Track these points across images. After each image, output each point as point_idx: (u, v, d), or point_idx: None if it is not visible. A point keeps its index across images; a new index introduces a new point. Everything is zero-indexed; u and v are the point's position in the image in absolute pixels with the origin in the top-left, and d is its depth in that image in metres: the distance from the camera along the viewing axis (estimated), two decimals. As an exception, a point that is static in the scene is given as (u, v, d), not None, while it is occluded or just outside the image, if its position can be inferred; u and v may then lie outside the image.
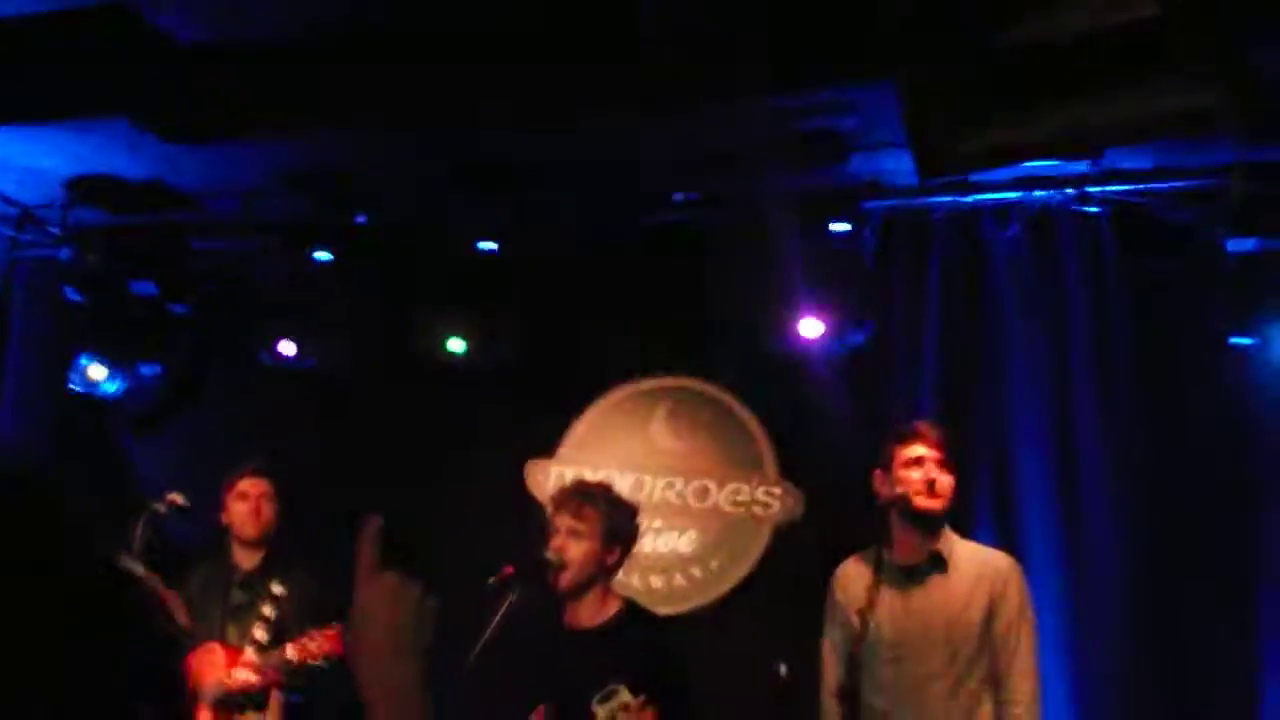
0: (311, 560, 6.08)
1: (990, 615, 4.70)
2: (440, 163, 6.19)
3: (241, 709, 5.57)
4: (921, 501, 4.75)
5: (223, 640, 5.76)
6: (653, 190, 6.49)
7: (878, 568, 4.66)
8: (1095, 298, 5.88)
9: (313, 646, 5.40)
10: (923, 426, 4.88)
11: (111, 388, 7.11)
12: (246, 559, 6.00)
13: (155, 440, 7.27)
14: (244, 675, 5.53)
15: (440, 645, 5.50)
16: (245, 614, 5.81)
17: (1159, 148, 5.52)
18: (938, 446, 4.78)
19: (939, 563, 4.78)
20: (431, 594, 1.85)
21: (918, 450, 4.78)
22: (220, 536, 6.06)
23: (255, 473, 6.04)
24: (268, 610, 5.72)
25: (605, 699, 3.62)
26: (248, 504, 5.99)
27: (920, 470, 4.76)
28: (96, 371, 7.03)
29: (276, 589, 5.78)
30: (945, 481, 4.76)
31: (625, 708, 3.56)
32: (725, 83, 5.41)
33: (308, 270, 6.79)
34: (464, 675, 3.85)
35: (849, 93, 5.38)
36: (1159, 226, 5.77)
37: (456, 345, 6.67)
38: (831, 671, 4.90)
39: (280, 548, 6.04)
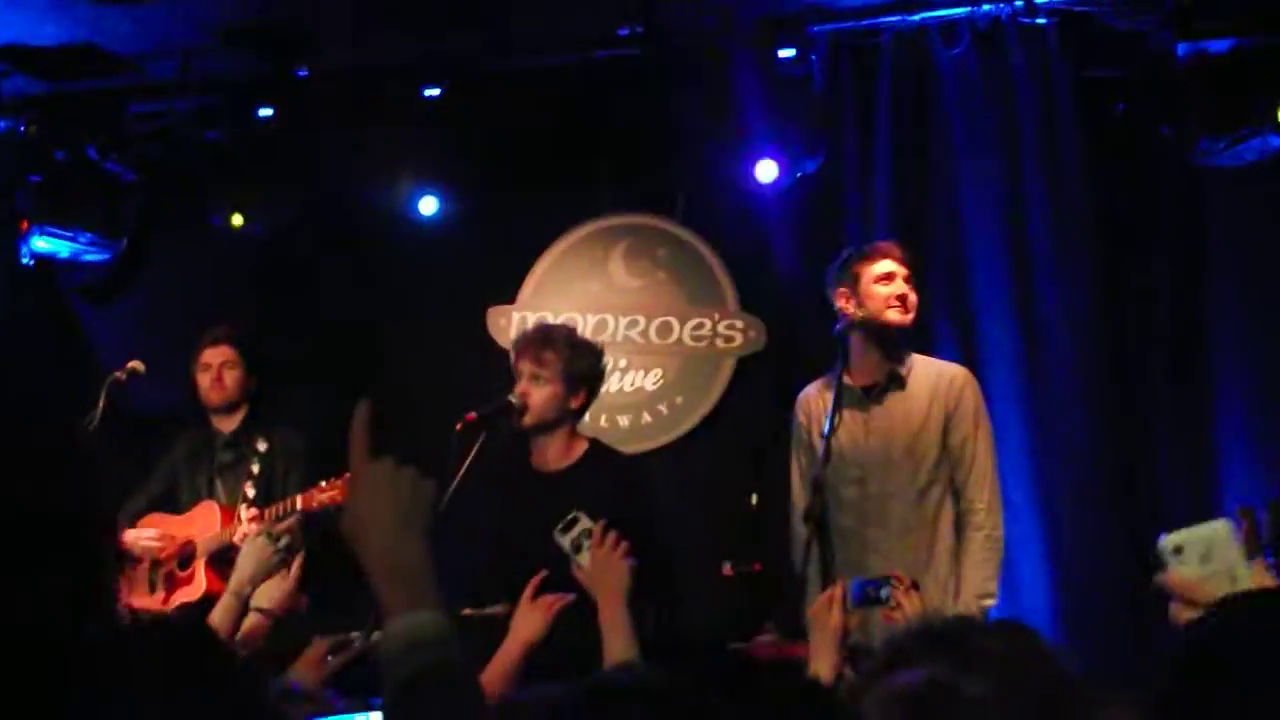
0: (290, 416, 6.16)
1: (946, 427, 4.77)
2: (376, 5, 6.07)
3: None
4: (893, 316, 4.80)
5: (213, 499, 5.89)
6: (598, 26, 6.37)
7: (838, 391, 4.72)
8: (1046, 110, 5.86)
9: (322, 497, 5.41)
10: (888, 245, 4.92)
11: (63, 253, 7.02)
12: (225, 424, 6.06)
13: (110, 309, 7.22)
14: (244, 528, 5.50)
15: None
16: (232, 471, 5.93)
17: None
18: (904, 263, 4.82)
19: (896, 379, 4.85)
20: (424, 478, 1.87)
21: (886, 266, 4.83)
22: (197, 406, 6.11)
23: (215, 341, 6.05)
24: (255, 467, 5.86)
25: (566, 528, 3.64)
26: (210, 374, 6.01)
27: (890, 285, 4.80)
28: (44, 243, 6.94)
29: (260, 445, 5.90)
30: (914, 298, 4.81)
31: (588, 533, 3.58)
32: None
33: (251, 128, 6.68)
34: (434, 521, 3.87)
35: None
36: (1108, 35, 5.72)
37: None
38: (799, 495, 4.97)
39: (257, 408, 6.10)
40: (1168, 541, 2.65)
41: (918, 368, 4.92)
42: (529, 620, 3.60)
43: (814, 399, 5.01)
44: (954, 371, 4.94)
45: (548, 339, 4.73)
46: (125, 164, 6.99)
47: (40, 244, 6.93)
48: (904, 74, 6.09)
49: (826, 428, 4.68)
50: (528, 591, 3.66)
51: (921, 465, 4.78)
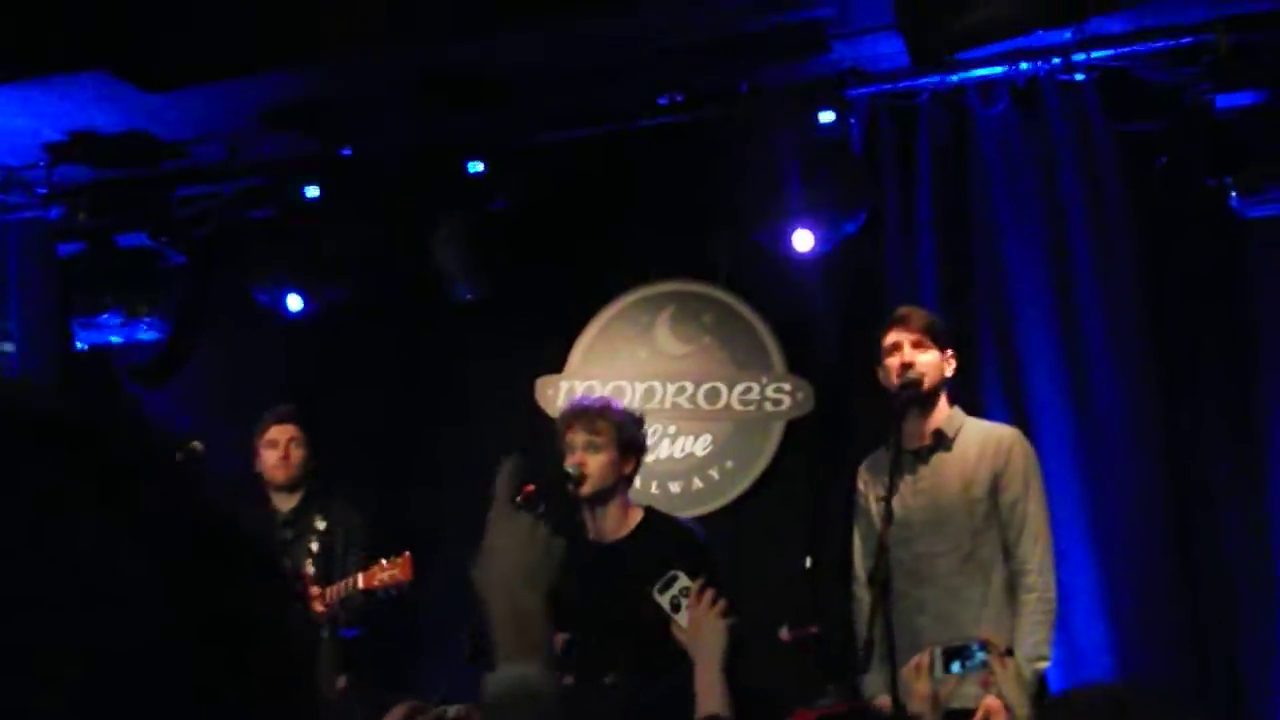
0: (348, 495, 6.22)
1: (995, 489, 4.79)
2: (420, 84, 6.15)
3: None
4: (908, 387, 4.81)
5: None
6: (638, 95, 6.45)
7: (896, 454, 4.75)
8: (1086, 166, 5.86)
9: (384, 575, 5.47)
10: (901, 311, 4.96)
11: (117, 339, 7.12)
12: (285, 502, 6.11)
13: (164, 391, 7.30)
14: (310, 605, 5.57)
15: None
16: (293, 549, 5.94)
17: (1140, 9, 5.48)
18: (914, 329, 4.84)
19: (943, 441, 4.86)
20: (558, 536, 1.88)
21: (893, 337, 4.88)
22: (256, 484, 6.15)
23: (281, 419, 6.12)
24: (314, 545, 5.89)
25: (665, 586, 3.59)
26: (277, 450, 6.07)
27: (895, 355, 4.83)
28: (104, 324, 7.05)
29: (319, 523, 5.96)
30: (924, 360, 4.82)
31: (685, 591, 3.54)
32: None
33: (298, 207, 6.77)
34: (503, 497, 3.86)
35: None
36: (1146, 89, 5.75)
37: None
38: (860, 562, 4.98)
39: (316, 487, 6.15)
40: None
41: (967, 430, 4.94)
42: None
43: (873, 466, 5.05)
44: (1003, 432, 4.97)
45: (599, 408, 4.78)
46: (174, 247, 7.09)
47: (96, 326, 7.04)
48: (943, 134, 6.12)
49: (884, 491, 4.70)
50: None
51: (968, 526, 4.79)
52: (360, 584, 5.53)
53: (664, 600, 3.57)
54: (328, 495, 6.15)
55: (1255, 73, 5.35)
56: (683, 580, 3.57)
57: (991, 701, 4.40)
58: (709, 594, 3.46)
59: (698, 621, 3.45)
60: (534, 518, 1.85)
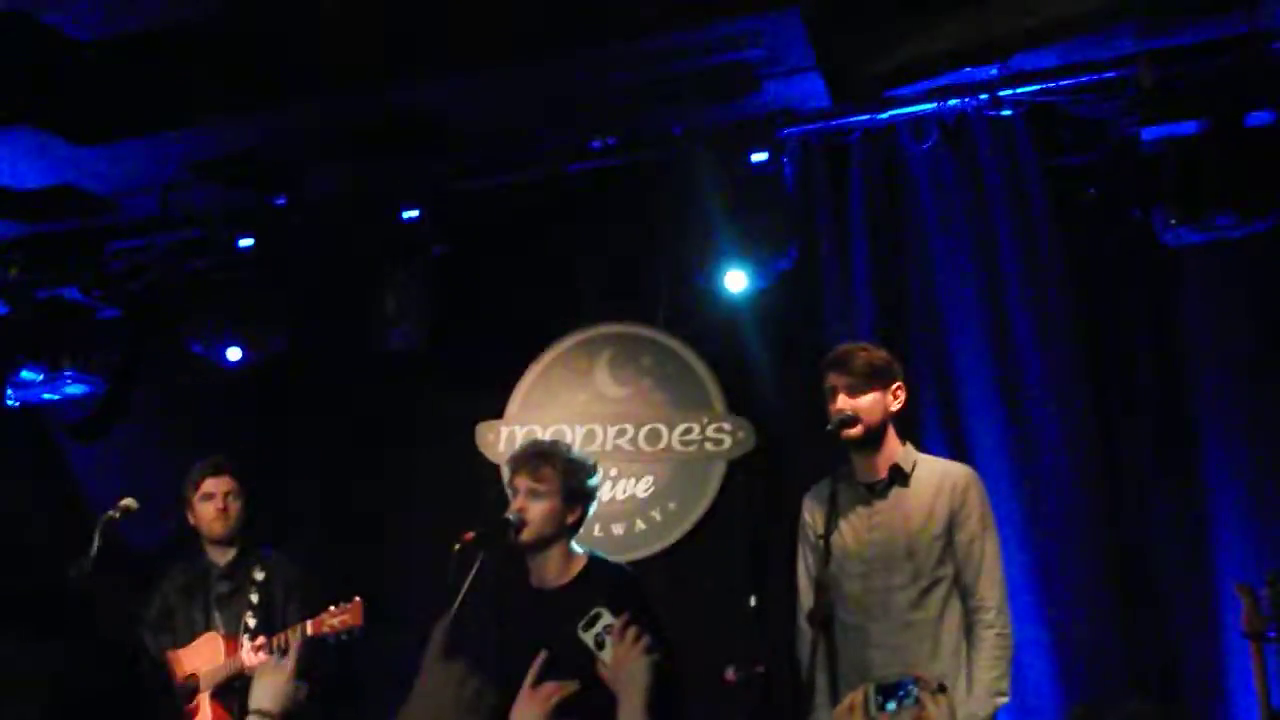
0: (285, 546, 6.11)
1: (951, 526, 4.78)
2: (349, 132, 6.14)
3: (242, 692, 5.39)
4: (843, 433, 4.81)
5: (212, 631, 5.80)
6: (572, 139, 6.46)
7: (833, 492, 4.76)
8: (1016, 198, 5.91)
9: (334, 621, 5.39)
10: (835, 354, 4.93)
11: (50, 395, 7.04)
12: (221, 555, 5.96)
13: (97, 446, 7.22)
14: (253, 657, 5.46)
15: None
16: (231, 603, 5.83)
17: (1066, 45, 5.54)
18: (849, 373, 4.82)
19: (899, 476, 4.85)
20: (489, 689, 1.87)
21: (829, 381, 4.86)
22: (188, 537, 6.04)
23: (219, 470, 5.95)
24: (254, 596, 5.76)
25: (589, 624, 3.55)
26: (214, 503, 5.92)
27: (833, 402, 4.82)
28: (30, 380, 6.97)
29: (258, 574, 5.82)
30: (863, 403, 4.80)
31: (609, 628, 3.50)
32: (630, 19, 5.41)
33: (233, 258, 6.73)
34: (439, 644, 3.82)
35: (754, 22, 5.38)
36: (1073, 123, 5.82)
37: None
38: (805, 595, 4.97)
39: (251, 538, 6.01)
40: None
41: (922, 466, 4.92)
42: (527, 711, 3.39)
43: (817, 499, 5.01)
44: (958, 472, 4.93)
45: (545, 454, 4.74)
46: (107, 300, 7.03)
47: (24, 380, 6.97)
48: (875, 170, 6.16)
49: (823, 528, 4.71)
50: (529, 678, 3.55)
51: (925, 563, 4.76)
52: (309, 630, 5.41)
53: (588, 638, 3.52)
54: (263, 547, 6.02)
55: (1179, 105, 5.41)
56: (606, 617, 3.52)
57: None
58: (631, 630, 3.41)
59: (620, 658, 3.38)
60: (465, 668, 1.82)
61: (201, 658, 5.73)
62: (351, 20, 5.51)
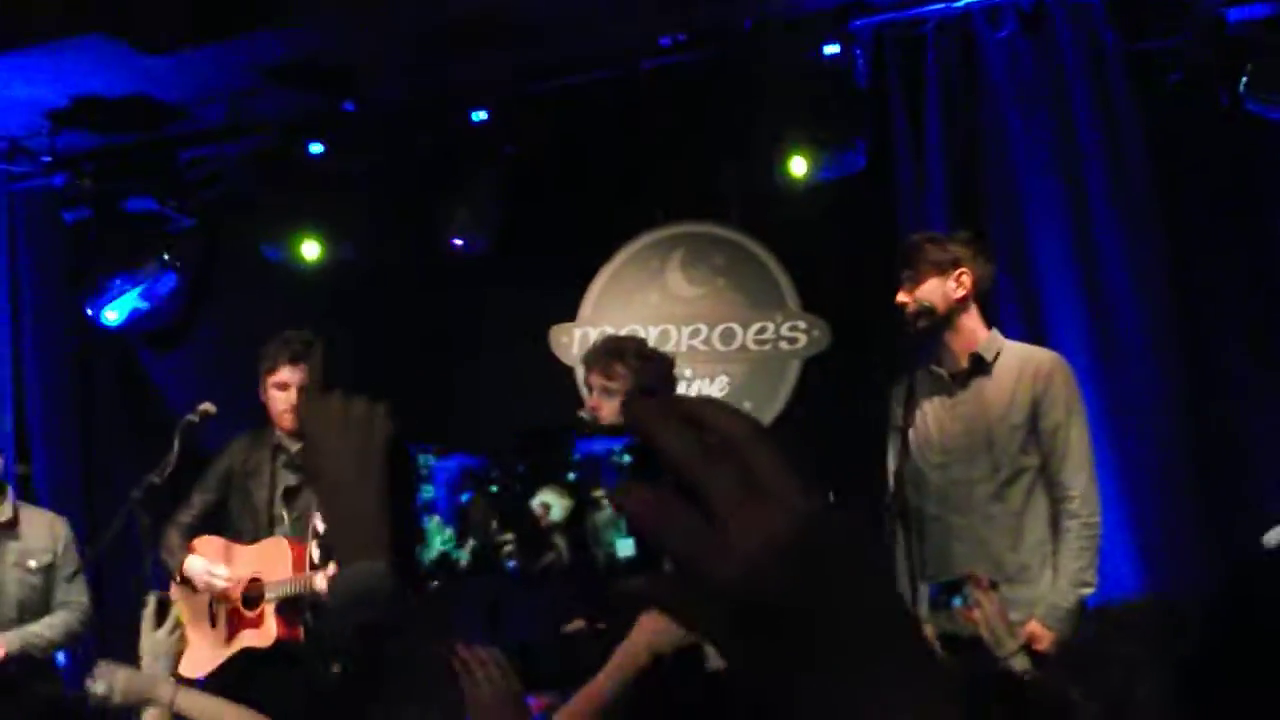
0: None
1: (1035, 414, 4.67)
2: (416, 35, 6.10)
3: (299, 622, 5.30)
4: (903, 320, 4.75)
5: (270, 529, 5.45)
6: (641, 37, 6.38)
7: (912, 382, 4.70)
8: (1097, 86, 5.78)
9: None
10: (902, 245, 4.85)
11: (125, 309, 7.08)
12: (293, 442, 5.44)
13: (175, 354, 7.30)
14: (322, 583, 5.04)
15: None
16: (299, 498, 5.43)
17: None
18: (910, 262, 4.74)
19: (980, 365, 4.75)
20: (379, 416, 1.84)
21: (901, 274, 4.76)
22: (263, 417, 5.61)
23: (294, 360, 5.40)
24: None
25: None
26: (287, 394, 5.40)
27: (899, 295, 4.75)
28: (114, 313, 7.04)
29: None
30: (923, 291, 4.70)
31: None
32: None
33: (303, 164, 6.74)
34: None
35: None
36: (1154, 5, 5.67)
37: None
38: (894, 489, 4.91)
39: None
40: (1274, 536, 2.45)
41: (1006, 353, 4.79)
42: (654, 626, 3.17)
43: (901, 387, 4.95)
44: (1042, 357, 4.82)
45: (617, 352, 4.69)
46: (181, 210, 7.06)
47: (110, 314, 7.02)
48: (951, 62, 6.05)
49: (902, 420, 4.65)
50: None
51: (1005, 453, 4.67)
52: (316, 585, 5.12)
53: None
54: None
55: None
56: None
57: (1034, 628, 4.38)
58: None
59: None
60: (345, 399, 1.66)
61: (266, 562, 5.37)
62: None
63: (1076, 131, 5.83)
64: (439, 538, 1.35)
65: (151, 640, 4.02)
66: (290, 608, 5.30)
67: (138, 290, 7.01)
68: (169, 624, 4.92)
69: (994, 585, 3.80)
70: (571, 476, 1.23)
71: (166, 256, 7.03)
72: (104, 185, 6.94)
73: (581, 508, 1.23)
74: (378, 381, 6.31)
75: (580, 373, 4.92)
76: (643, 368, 4.66)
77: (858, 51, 6.07)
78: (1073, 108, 5.83)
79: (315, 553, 5.17)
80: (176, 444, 5.39)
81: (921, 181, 6.10)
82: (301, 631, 5.32)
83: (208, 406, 5.58)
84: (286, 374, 5.42)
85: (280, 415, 5.46)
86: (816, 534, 0.93)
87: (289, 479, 5.50)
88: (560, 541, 1.25)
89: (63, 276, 7.33)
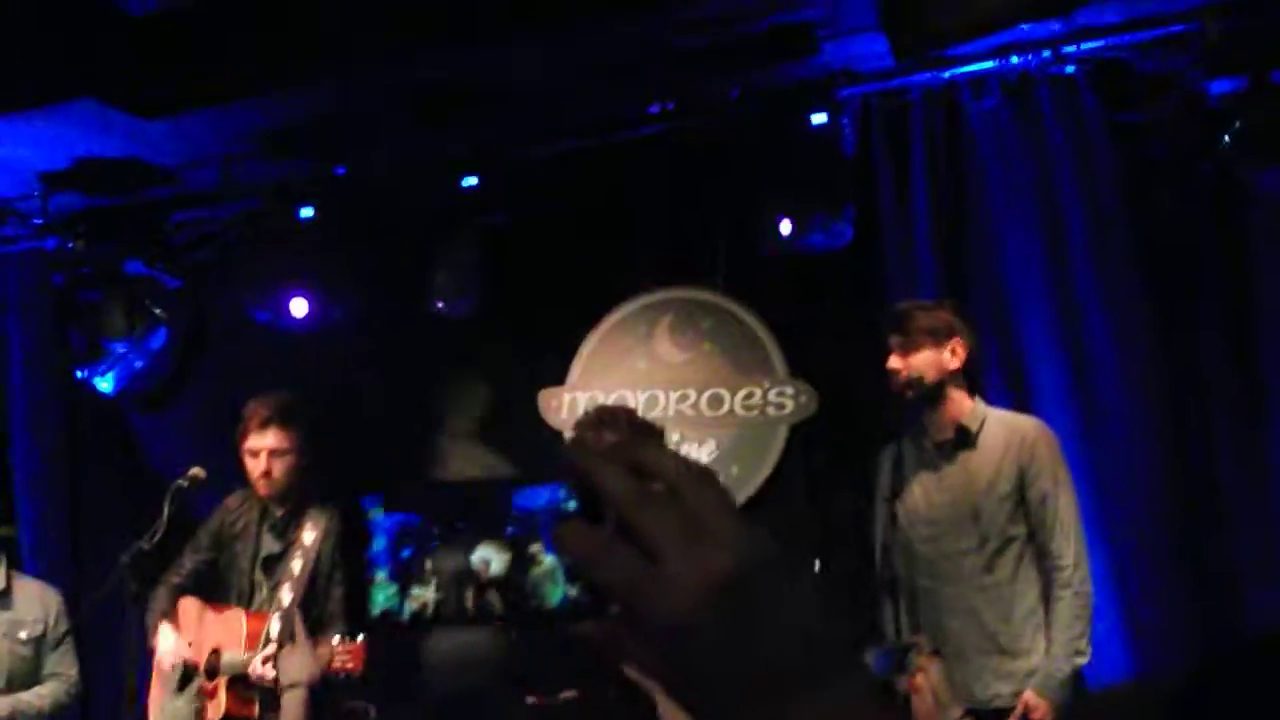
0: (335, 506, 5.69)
1: (1021, 484, 4.70)
2: (409, 101, 6.15)
3: (252, 698, 5.20)
4: (894, 388, 4.78)
5: (250, 595, 5.44)
6: (630, 104, 6.45)
7: (900, 453, 4.73)
8: (1081, 156, 5.84)
9: (335, 662, 5.02)
10: (893, 311, 4.89)
11: (116, 377, 7.11)
12: (276, 506, 5.55)
13: (162, 417, 7.30)
14: (264, 671, 5.08)
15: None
16: (276, 567, 5.45)
17: (1127, -1, 5.48)
18: (903, 330, 4.77)
19: (965, 436, 4.79)
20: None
21: (888, 341, 4.80)
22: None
23: (264, 426, 5.46)
24: (296, 565, 5.32)
25: None
26: (258, 461, 5.46)
27: (889, 361, 4.78)
28: (105, 384, 7.07)
29: (307, 535, 5.38)
30: (916, 361, 4.74)
31: None
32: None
33: (294, 228, 6.78)
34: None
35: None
36: (1138, 78, 5.74)
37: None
38: (881, 560, 4.93)
39: (310, 493, 5.56)
40: None
41: (991, 423, 4.83)
42: None
43: (886, 461, 4.99)
44: (1027, 426, 4.85)
45: (609, 421, 4.69)
46: (170, 271, 7.10)
47: (103, 384, 7.04)
48: (937, 131, 6.11)
49: (888, 490, 4.68)
50: None
51: (993, 525, 4.69)
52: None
53: None
54: (321, 503, 5.56)
55: (1246, 58, 5.33)
56: None
57: (1030, 697, 4.40)
58: None
59: None
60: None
61: (226, 635, 5.34)
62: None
63: (1060, 200, 5.88)
64: (382, 594, 1.38)
65: (172, 707, 4.03)
66: (240, 685, 5.20)
67: (128, 354, 7.02)
68: (190, 692, 4.91)
69: (936, 653, 3.83)
70: (510, 531, 1.26)
71: (156, 318, 7.03)
72: (95, 248, 6.97)
73: (520, 562, 1.26)
74: (365, 442, 6.38)
75: (570, 438, 4.92)
76: (632, 436, 4.68)
77: (844, 120, 6.13)
78: (1056, 177, 5.88)
79: (274, 627, 5.16)
80: (166, 509, 5.36)
81: (907, 249, 6.14)
82: (255, 710, 5.19)
83: (198, 471, 5.54)
84: (255, 440, 5.47)
85: (256, 482, 5.49)
86: (755, 573, 0.96)
87: (272, 545, 5.52)
88: (499, 596, 1.28)
89: (52, 339, 7.34)
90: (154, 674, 5.49)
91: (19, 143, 6.36)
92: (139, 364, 7.13)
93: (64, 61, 5.74)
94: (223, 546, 5.56)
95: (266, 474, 5.45)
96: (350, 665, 5.02)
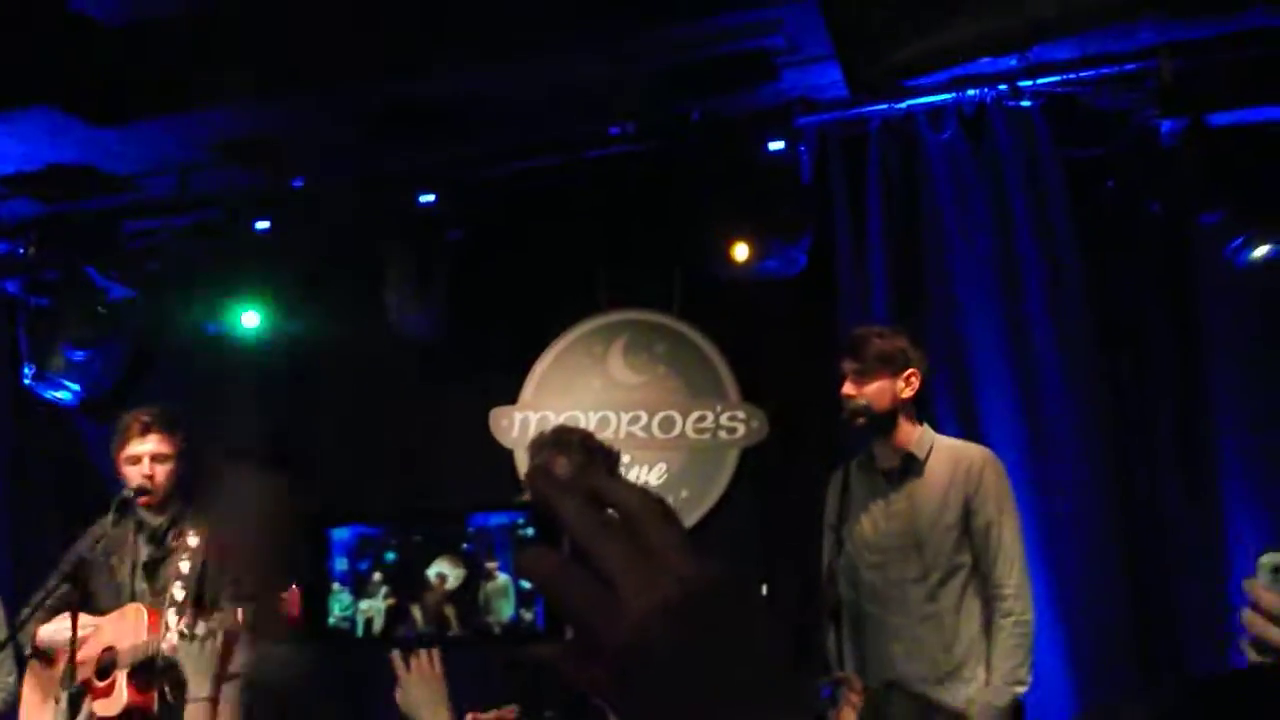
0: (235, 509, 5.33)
1: (967, 512, 4.73)
2: (369, 115, 6.15)
3: (164, 674, 4.98)
4: (846, 414, 4.80)
5: (138, 600, 5.27)
6: (589, 125, 6.47)
7: (847, 481, 4.75)
8: (1034, 189, 5.91)
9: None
10: (849, 338, 4.90)
11: (72, 387, 7.07)
12: (153, 516, 5.44)
13: (112, 424, 7.25)
14: (172, 640, 4.70)
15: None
16: (158, 570, 5.34)
17: (1085, 35, 5.53)
18: (858, 358, 4.78)
19: (913, 464, 4.81)
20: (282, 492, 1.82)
21: (841, 367, 4.81)
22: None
23: (145, 430, 5.41)
24: (184, 564, 5.05)
25: None
26: (139, 467, 5.39)
27: (842, 386, 4.80)
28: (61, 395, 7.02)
29: (192, 539, 5.12)
30: (870, 389, 4.76)
31: None
32: (651, 6, 5.42)
33: (249, 240, 6.76)
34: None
35: (774, 10, 5.38)
36: (1092, 115, 5.81)
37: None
38: (825, 586, 4.95)
39: (194, 499, 5.44)
40: (1268, 560, 2.36)
41: (938, 451, 4.85)
42: None
43: (833, 487, 5.00)
44: (974, 454, 4.88)
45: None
46: (124, 281, 7.05)
47: (62, 394, 7.00)
48: (893, 160, 6.16)
49: (835, 518, 4.71)
50: None
51: (938, 554, 4.72)
52: (238, 617, 4.71)
53: None
54: (208, 509, 5.37)
55: (1198, 100, 5.41)
56: None
57: None
58: None
59: None
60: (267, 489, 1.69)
61: (122, 630, 5.17)
62: (374, 4, 5.54)
63: (1013, 232, 5.95)
64: (338, 604, 1.39)
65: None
66: (143, 673, 5.06)
67: (83, 362, 6.98)
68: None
69: (866, 689, 3.88)
70: (466, 547, 1.28)
71: (109, 327, 7.00)
72: (48, 254, 6.92)
73: (474, 577, 1.28)
74: (311, 456, 6.33)
75: (520, 457, 4.91)
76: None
77: (802, 148, 6.17)
78: (1010, 210, 5.94)
79: (171, 618, 4.96)
80: (111, 516, 5.31)
81: (861, 276, 6.18)
82: (155, 698, 5.05)
83: (143, 481, 5.48)
84: (135, 446, 5.42)
85: (136, 489, 5.38)
86: (704, 598, 1.00)
87: (149, 552, 5.42)
88: (452, 610, 1.30)
89: (1, 345, 7.27)
90: (29, 675, 5.34)
91: (-26, 147, 6.32)
92: (93, 372, 7.07)
93: (22, 67, 5.71)
94: (94, 566, 5.39)
95: (149, 478, 5.38)
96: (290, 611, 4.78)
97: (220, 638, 3.95)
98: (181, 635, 4.49)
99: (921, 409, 5.01)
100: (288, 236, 6.72)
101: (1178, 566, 5.73)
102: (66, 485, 7.24)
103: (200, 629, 4.46)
